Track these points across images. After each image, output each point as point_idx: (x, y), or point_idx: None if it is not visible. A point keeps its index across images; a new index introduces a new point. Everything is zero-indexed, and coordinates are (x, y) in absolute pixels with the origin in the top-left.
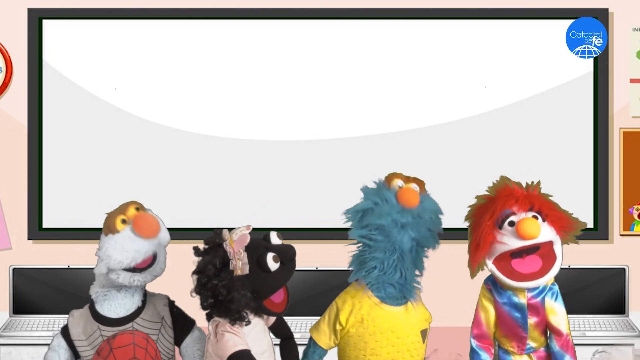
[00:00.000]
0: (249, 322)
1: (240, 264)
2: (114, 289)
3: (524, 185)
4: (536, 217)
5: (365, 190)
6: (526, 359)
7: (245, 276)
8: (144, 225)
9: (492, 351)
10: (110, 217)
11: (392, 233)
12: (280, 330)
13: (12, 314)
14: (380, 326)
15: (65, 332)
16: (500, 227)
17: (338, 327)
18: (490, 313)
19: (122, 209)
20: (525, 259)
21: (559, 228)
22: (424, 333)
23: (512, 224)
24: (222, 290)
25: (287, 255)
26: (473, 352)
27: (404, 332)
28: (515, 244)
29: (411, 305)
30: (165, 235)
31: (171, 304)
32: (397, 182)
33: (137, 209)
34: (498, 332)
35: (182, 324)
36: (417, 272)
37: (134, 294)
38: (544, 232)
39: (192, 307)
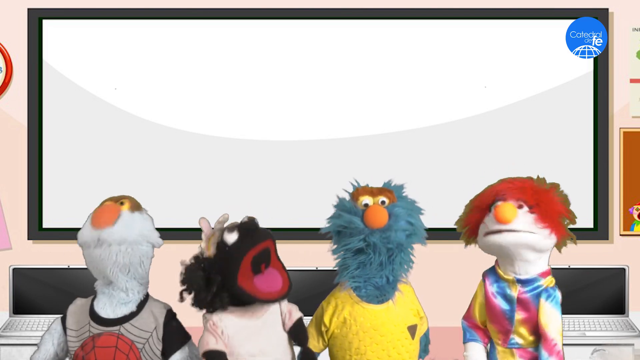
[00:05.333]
0: (213, 310)
1: (211, 249)
2: (113, 288)
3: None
4: (521, 206)
5: (337, 207)
6: (508, 353)
7: (214, 257)
8: (96, 214)
9: (486, 334)
10: (104, 200)
11: (367, 251)
12: (297, 337)
13: (12, 314)
14: (362, 325)
15: (63, 318)
16: (490, 210)
17: (323, 328)
18: (478, 300)
19: (116, 197)
20: None
21: (547, 225)
22: (412, 329)
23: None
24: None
25: (243, 225)
26: (463, 333)
27: (388, 329)
28: (492, 226)
29: (392, 303)
30: (119, 230)
31: (169, 316)
32: (363, 201)
33: (122, 202)
34: (487, 322)
35: (174, 339)
36: (402, 274)
37: (129, 297)
38: (523, 221)
39: (191, 308)
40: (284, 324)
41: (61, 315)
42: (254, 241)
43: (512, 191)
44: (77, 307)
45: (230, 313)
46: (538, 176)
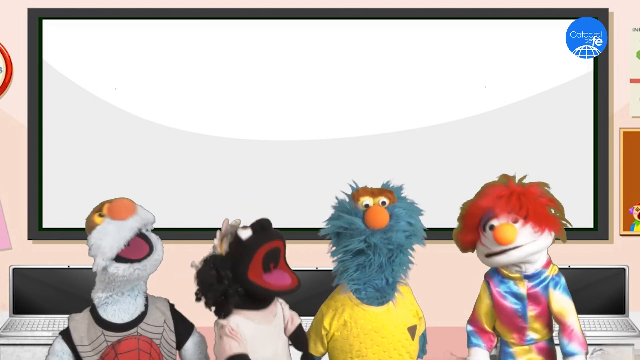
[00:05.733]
0: (227, 313)
1: (224, 247)
2: (116, 293)
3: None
4: (516, 220)
5: (336, 209)
6: (526, 350)
7: (226, 254)
8: (117, 207)
9: (491, 338)
10: (88, 218)
11: (367, 251)
12: (298, 341)
13: (12, 314)
14: (363, 327)
15: (67, 336)
16: (484, 229)
17: (323, 332)
18: (483, 303)
19: (97, 207)
20: None
21: (543, 228)
22: (412, 330)
23: (492, 227)
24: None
25: (257, 224)
26: (467, 337)
27: (388, 331)
28: (494, 247)
29: (392, 305)
30: (146, 214)
31: (172, 307)
32: (364, 202)
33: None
34: (498, 323)
35: (182, 328)
36: (402, 275)
37: (136, 297)
38: (522, 236)
39: (192, 306)
40: (285, 329)
41: (60, 335)
42: (267, 238)
43: (501, 207)
44: (79, 323)
45: (246, 318)
46: (508, 175)
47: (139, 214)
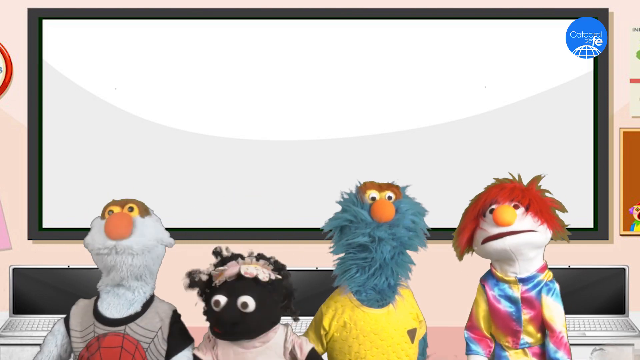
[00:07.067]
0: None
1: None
2: (118, 288)
3: (522, 179)
4: (517, 207)
5: (342, 203)
6: (521, 354)
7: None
8: (110, 225)
9: (489, 344)
10: (108, 204)
11: (370, 247)
12: None
13: (12, 314)
14: (362, 329)
15: (66, 319)
16: (484, 215)
17: (322, 332)
18: (481, 307)
19: (122, 202)
20: None
21: (543, 220)
22: (411, 333)
23: (492, 211)
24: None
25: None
26: (466, 344)
27: (388, 333)
28: (492, 230)
29: (392, 307)
30: (138, 240)
31: (175, 316)
32: (370, 195)
33: (131, 208)
34: (493, 327)
35: (179, 340)
36: (401, 278)
37: (135, 296)
38: (523, 221)
39: (193, 308)
40: (294, 357)
41: (63, 316)
42: (229, 334)
43: (504, 195)
44: (80, 308)
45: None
46: (519, 175)
47: (129, 239)
